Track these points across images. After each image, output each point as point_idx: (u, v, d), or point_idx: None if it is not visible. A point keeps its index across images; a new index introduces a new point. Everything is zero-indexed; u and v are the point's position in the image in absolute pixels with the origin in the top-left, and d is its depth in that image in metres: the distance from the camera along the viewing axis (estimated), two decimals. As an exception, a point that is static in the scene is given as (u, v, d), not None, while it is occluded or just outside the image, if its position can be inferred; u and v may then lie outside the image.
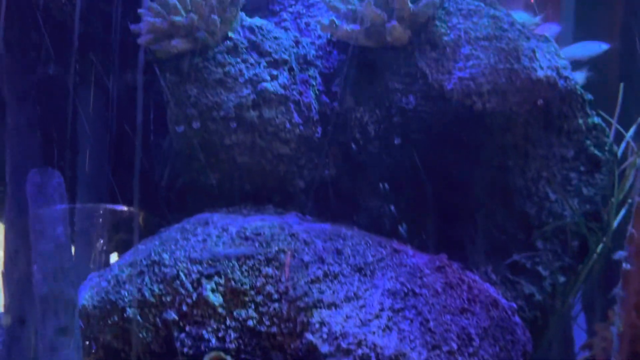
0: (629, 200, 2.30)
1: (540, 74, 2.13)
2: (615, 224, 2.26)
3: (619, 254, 1.46)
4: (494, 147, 2.20)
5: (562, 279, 2.25)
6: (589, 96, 2.33)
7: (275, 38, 2.17)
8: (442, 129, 2.15)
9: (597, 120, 2.34)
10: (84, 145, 2.51)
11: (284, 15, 2.50)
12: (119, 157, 2.52)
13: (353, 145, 2.30)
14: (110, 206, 2.38)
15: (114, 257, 2.61)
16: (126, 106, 2.48)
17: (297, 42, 2.34)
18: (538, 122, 2.24)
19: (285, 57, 2.10)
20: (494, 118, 2.08)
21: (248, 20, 2.12)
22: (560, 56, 2.34)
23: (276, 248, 1.72)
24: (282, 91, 2.04)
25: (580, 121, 2.31)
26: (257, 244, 1.72)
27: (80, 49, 2.44)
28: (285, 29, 2.46)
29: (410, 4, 1.96)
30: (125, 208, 2.39)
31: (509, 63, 2.04)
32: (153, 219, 2.51)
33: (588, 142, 2.33)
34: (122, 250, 2.46)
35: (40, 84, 2.44)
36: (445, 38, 2.02)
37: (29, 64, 2.32)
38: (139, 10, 2.03)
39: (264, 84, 1.99)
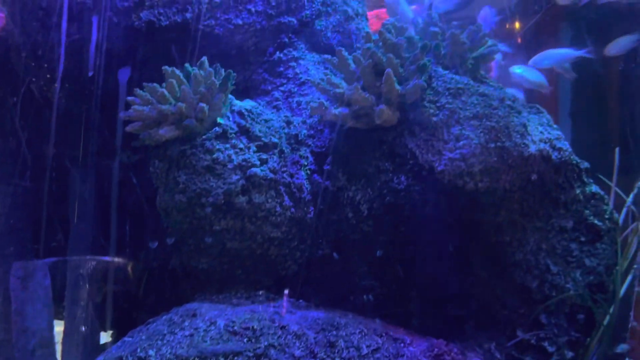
0: (635, 266, 2.24)
1: (533, 149, 2.11)
2: (621, 292, 2.19)
3: (622, 348, 1.40)
4: (489, 223, 2.16)
5: (569, 354, 2.16)
6: (585, 164, 2.30)
7: (266, 121, 2.16)
8: (435, 208, 2.12)
9: (595, 188, 2.30)
10: (75, 226, 2.48)
11: (276, 94, 2.52)
12: (110, 238, 2.49)
13: (346, 225, 2.27)
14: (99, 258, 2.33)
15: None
16: (117, 186, 2.47)
17: (288, 122, 2.34)
18: (533, 196, 2.21)
19: (275, 140, 2.09)
20: (487, 196, 2.04)
21: (238, 104, 2.12)
22: (553, 127, 2.33)
23: (266, 343, 1.66)
24: (271, 175, 2.01)
25: (578, 191, 2.28)
26: (245, 339, 1.65)
27: (70, 131, 2.46)
28: (277, 108, 2.47)
29: (397, 86, 1.96)
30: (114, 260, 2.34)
31: (500, 141, 2.02)
32: (148, 298, 2.46)
33: (587, 211, 2.28)
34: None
35: (25, 167, 2.44)
36: (434, 118, 2.01)
37: (14, 147, 2.32)
38: (128, 98, 2.04)
39: (254, 169, 1.97)
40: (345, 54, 2.09)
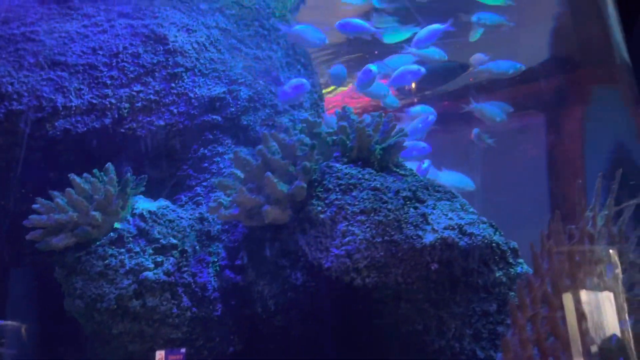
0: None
1: (429, 239, 2.11)
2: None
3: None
4: (392, 314, 2.14)
5: None
6: (512, 244, 2.28)
7: (170, 221, 2.23)
8: (335, 302, 2.12)
9: (521, 269, 2.27)
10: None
11: (199, 189, 2.60)
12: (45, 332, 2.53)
13: (258, 319, 2.28)
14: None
15: None
16: (45, 289, 2.54)
17: (202, 219, 2.40)
18: (442, 284, 2.19)
19: (175, 241, 2.14)
20: (379, 291, 2.04)
21: (141, 207, 2.20)
22: (467, 211, 2.33)
23: None
24: (165, 278, 2.06)
25: (499, 274, 2.24)
26: None
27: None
28: (198, 204, 2.54)
29: (281, 187, 2.01)
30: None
31: (388, 235, 2.04)
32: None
33: (512, 293, 2.25)
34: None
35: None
36: (322, 216, 2.05)
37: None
38: (33, 206, 2.13)
39: (146, 273, 2.02)
40: (241, 154, 2.16)
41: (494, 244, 2.23)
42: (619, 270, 1.90)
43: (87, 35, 2.66)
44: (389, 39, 3.19)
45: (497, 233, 2.30)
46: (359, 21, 3.06)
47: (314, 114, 3.15)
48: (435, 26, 3.09)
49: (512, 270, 2.25)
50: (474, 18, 3.16)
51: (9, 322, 2.25)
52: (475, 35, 3.31)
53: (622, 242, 2.16)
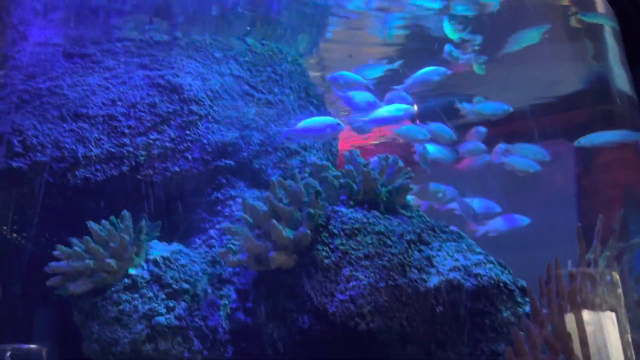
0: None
1: (434, 282, 2.15)
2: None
3: None
4: (401, 356, 2.18)
5: None
6: (520, 283, 2.30)
7: (182, 266, 2.32)
8: (342, 346, 2.16)
9: (529, 309, 2.29)
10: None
11: (212, 232, 2.69)
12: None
13: (268, 361, 2.33)
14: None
15: None
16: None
17: (214, 262, 2.49)
18: (449, 325, 2.22)
19: (187, 285, 2.23)
20: (385, 334, 2.08)
21: (155, 253, 2.30)
22: (474, 251, 2.36)
23: None
24: (176, 322, 2.14)
25: (506, 314, 2.26)
26: None
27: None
28: (211, 247, 2.62)
29: (287, 234, 2.09)
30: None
31: (392, 279, 2.09)
32: None
33: (521, 333, 2.26)
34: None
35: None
36: (327, 261, 2.11)
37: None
38: (54, 252, 2.24)
39: (158, 318, 2.11)
40: (249, 201, 2.25)
41: (501, 284, 2.26)
42: (623, 310, 1.91)
43: (107, 87, 2.80)
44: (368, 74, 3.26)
45: (506, 272, 2.32)
46: (349, 74, 3.15)
47: (327, 154, 3.22)
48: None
49: (520, 309, 2.27)
50: (446, 53, 3.20)
51: (34, 346, 2.33)
52: (480, 69, 3.35)
53: (625, 283, 2.17)
